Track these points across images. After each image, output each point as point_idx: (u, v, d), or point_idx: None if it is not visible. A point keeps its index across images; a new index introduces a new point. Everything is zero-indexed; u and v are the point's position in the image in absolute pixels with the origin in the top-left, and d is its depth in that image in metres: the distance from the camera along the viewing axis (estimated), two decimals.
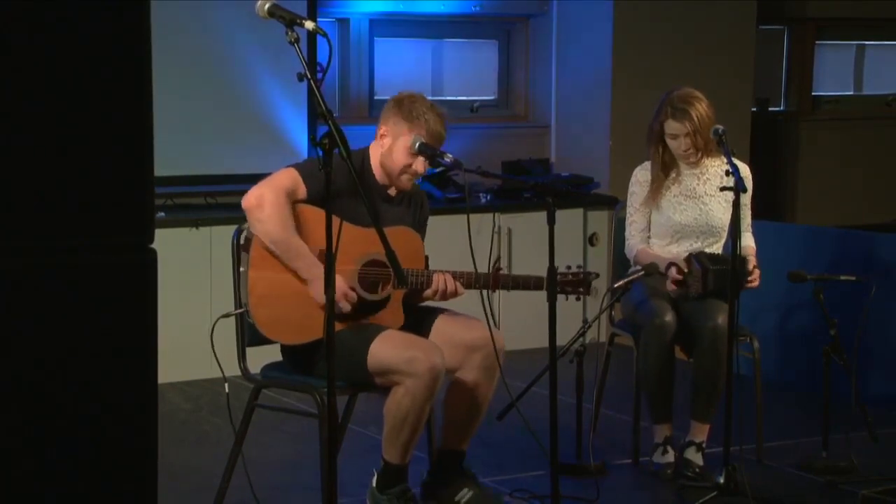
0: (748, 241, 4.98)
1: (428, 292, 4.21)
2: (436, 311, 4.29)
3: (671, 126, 4.88)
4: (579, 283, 4.28)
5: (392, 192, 4.30)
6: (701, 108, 4.84)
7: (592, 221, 7.32)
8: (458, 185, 7.01)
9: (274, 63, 6.58)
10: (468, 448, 4.36)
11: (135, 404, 2.36)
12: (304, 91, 6.31)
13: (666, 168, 4.97)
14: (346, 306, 4.09)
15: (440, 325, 4.23)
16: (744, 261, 4.76)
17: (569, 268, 4.28)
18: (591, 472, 4.71)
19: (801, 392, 6.02)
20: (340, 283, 4.05)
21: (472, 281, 4.22)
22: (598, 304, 5.11)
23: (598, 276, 4.40)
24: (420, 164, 4.22)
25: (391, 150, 4.23)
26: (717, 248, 4.98)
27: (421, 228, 4.37)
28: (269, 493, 4.46)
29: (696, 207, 4.96)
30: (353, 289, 4.10)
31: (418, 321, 4.22)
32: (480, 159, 6.96)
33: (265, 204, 4.04)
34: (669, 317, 4.76)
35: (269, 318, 4.10)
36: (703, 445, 4.83)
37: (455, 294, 4.21)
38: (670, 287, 4.82)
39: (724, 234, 4.98)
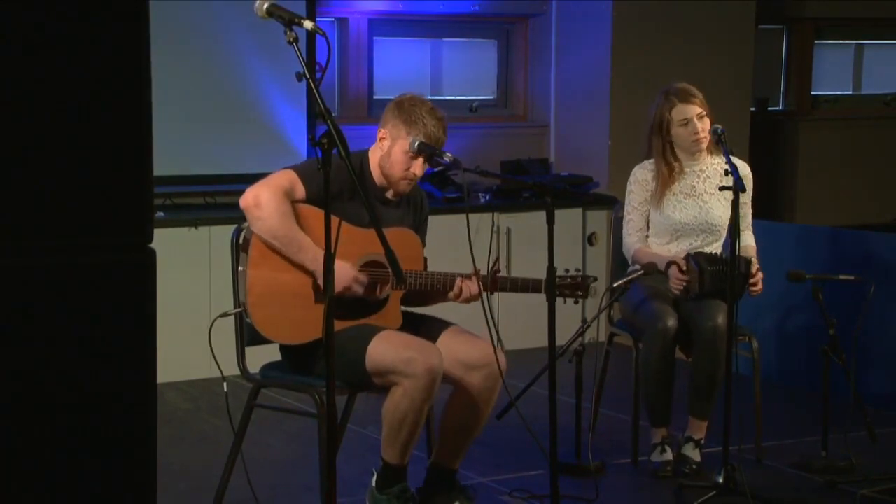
0: (748, 241, 4.97)
1: (451, 295, 4.21)
2: (443, 325, 4.27)
3: (682, 111, 4.86)
4: (577, 287, 4.25)
5: (390, 194, 4.27)
6: (702, 97, 4.88)
7: (591, 221, 7.32)
8: (456, 185, 7.01)
9: (273, 63, 6.58)
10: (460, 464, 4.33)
11: (134, 404, 2.36)
12: (303, 91, 6.31)
13: (669, 165, 4.95)
14: (358, 288, 4.09)
15: (445, 339, 4.20)
16: (747, 262, 4.75)
17: (567, 271, 4.26)
18: (590, 471, 4.71)
19: (800, 392, 6.02)
20: (347, 268, 4.05)
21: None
22: (597, 303, 5.11)
23: (596, 279, 4.38)
24: (418, 167, 4.20)
25: (389, 152, 4.20)
26: (716, 248, 4.97)
27: (420, 229, 4.36)
28: (268, 493, 4.46)
29: (695, 206, 4.95)
30: (352, 285, 4.08)
31: (425, 331, 4.20)
32: (479, 159, 6.97)
33: (263, 201, 4.03)
34: (671, 321, 4.74)
35: (268, 317, 4.09)
36: (701, 442, 4.83)
37: (478, 297, 4.19)
38: (675, 286, 4.81)
39: (724, 234, 4.96)
